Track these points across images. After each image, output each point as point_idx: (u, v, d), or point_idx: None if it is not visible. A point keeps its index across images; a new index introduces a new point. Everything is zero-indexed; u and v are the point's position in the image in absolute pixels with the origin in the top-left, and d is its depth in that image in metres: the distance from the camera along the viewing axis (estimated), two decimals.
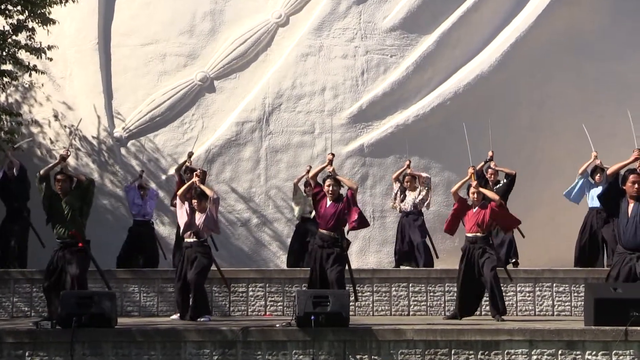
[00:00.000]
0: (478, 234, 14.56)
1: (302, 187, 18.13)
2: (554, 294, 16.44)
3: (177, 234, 16.79)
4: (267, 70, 19.78)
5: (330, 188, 14.22)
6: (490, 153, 18.13)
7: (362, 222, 14.34)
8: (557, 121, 19.67)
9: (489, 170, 18.10)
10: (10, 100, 20.49)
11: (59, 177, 13.68)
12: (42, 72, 19.65)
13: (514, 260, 17.66)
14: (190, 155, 18.01)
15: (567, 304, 16.39)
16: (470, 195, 14.85)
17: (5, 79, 19.15)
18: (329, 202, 14.23)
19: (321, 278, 14.07)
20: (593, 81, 19.95)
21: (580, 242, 17.84)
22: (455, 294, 15.37)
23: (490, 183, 17.86)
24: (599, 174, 17.60)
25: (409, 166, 18.07)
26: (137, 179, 18.38)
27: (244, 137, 19.49)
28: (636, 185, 12.57)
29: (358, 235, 18.43)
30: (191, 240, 14.49)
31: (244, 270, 17.03)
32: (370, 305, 16.42)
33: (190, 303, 14.32)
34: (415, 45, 19.77)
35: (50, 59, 19.38)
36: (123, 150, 19.72)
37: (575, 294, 16.32)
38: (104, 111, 19.80)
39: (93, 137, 19.88)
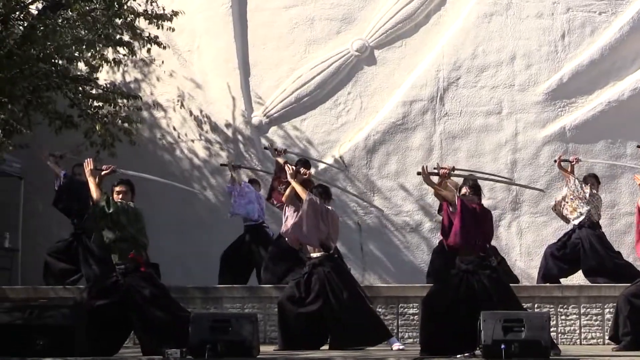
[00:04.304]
0: None
1: None
2: None
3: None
4: (440, 35, 19.84)
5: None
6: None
7: None
8: None
9: None
10: (128, 79, 20.82)
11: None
12: (164, 47, 19.76)
13: None
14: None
15: None
16: None
17: (123, 53, 19.29)
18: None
19: None
20: None
21: None
22: None
23: None
24: None
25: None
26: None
27: (412, 120, 19.52)
28: None
29: None
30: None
31: (416, 287, 16.80)
32: (577, 331, 16.14)
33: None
34: None
35: (173, 30, 19.45)
36: (264, 140, 19.84)
37: None
38: (239, 91, 20.10)
39: (227, 124, 20.07)
